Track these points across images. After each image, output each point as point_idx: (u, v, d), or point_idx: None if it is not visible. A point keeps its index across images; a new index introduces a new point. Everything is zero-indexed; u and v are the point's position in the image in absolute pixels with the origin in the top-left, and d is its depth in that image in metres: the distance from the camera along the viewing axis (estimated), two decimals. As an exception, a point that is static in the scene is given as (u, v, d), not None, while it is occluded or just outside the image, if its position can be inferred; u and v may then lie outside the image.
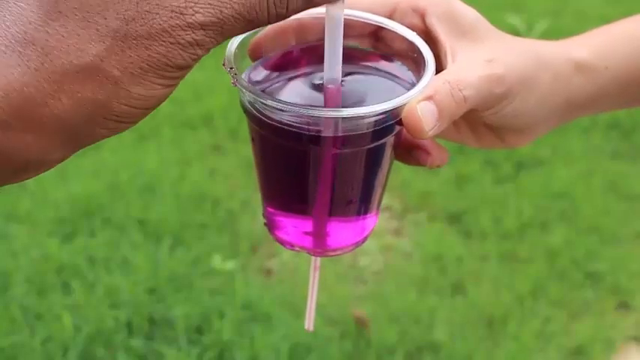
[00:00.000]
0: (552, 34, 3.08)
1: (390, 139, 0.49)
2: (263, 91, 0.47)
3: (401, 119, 0.47)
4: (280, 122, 0.46)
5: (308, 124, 0.46)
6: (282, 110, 0.45)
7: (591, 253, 2.05)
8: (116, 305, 1.76)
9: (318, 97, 0.49)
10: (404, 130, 0.48)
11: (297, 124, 0.46)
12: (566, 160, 2.43)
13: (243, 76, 0.50)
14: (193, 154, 2.38)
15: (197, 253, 1.94)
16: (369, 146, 0.48)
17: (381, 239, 2.07)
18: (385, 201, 2.22)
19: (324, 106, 0.48)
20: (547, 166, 2.39)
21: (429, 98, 0.47)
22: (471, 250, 2.05)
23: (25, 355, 1.64)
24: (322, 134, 0.46)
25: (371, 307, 1.85)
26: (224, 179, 2.26)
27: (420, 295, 1.90)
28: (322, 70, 0.48)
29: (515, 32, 3.13)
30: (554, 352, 1.78)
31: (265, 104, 0.46)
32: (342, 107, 0.47)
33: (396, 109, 0.46)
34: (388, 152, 0.50)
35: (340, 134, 0.47)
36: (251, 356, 1.66)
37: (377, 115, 0.46)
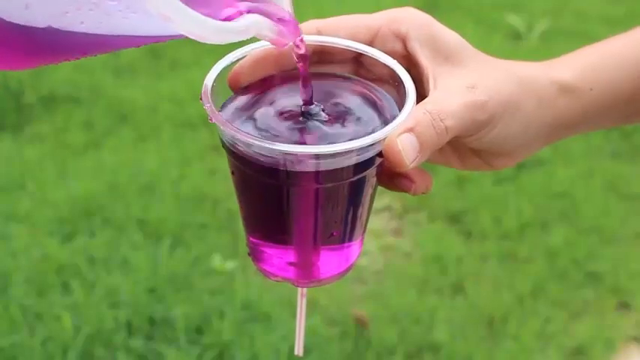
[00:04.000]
0: (552, 34, 3.08)
1: (371, 171, 0.48)
2: (242, 124, 0.46)
3: (382, 151, 0.46)
4: (259, 159, 0.45)
5: (287, 161, 0.45)
6: (261, 147, 0.44)
7: (591, 253, 2.05)
8: (116, 305, 1.76)
9: (298, 131, 0.48)
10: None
11: (276, 161, 0.45)
12: (566, 160, 2.42)
13: (221, 108, 0.49)
14: (193, 154, 2.38)
15: (197, 253, 1.94)
16: (350, 179, 0.47)
17: (381, 239, 2.07)
18: (385, 201, 2.22)
19: (304, 142, 0.47)
20: (547, 166, 2.39)
21: (410, 130, 0.46)
22: (471, 250, 2.05)
23: (25, 355, 1.64)
24: (302, 170, 0.45)
25: (371, 307, 1.85)
26: (224, 179, 2.26)
27: (420, 295, 1.89)
28: (303, 103, 0.48)
29: (516, 32, 3.13)
30: (554, 352, 1.78)
31: (243, 142, 0.45)
32: (321, 143, 0.46)
33: (376, 143, 0.45)
34: (370, 183, 0.49)
35: (321, 169, 0.46)
36: (251, 356, 1.66)
37: (356, 150, 0.45)
